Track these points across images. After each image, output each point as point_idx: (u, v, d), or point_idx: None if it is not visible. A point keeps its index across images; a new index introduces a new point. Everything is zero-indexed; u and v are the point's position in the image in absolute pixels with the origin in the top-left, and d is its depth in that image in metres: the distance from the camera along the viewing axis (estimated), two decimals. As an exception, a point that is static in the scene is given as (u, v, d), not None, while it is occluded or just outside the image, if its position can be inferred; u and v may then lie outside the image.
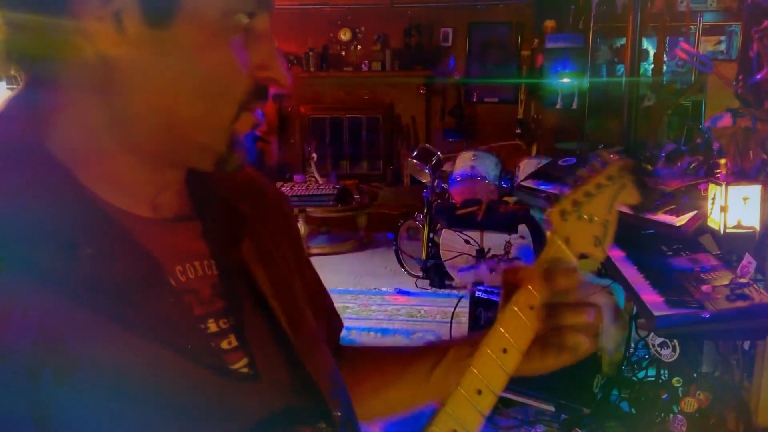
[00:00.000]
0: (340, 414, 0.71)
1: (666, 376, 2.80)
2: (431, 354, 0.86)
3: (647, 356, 3.06)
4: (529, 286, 0.72)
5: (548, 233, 0.75)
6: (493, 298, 3.13)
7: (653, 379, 2.91)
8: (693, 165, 2.96)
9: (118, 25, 0.59)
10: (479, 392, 0.71)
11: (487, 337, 0.72)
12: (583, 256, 0.77)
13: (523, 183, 3.28)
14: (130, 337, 0.61)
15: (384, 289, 4.93)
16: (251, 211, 0.76)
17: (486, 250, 4.43)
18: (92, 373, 0.59)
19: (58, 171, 0.62)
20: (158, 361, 0.62)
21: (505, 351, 0.71)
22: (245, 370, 0.67)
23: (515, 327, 0.72)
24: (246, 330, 0.68)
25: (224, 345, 0.67)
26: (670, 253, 2.45)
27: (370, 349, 1.04)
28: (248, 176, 0.82)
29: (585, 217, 0.73)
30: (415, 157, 5.25)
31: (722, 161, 2.39)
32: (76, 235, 0.61)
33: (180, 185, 0.72)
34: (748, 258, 2.14)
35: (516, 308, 0.72)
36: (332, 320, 0.91)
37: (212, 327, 0.67)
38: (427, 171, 5.16)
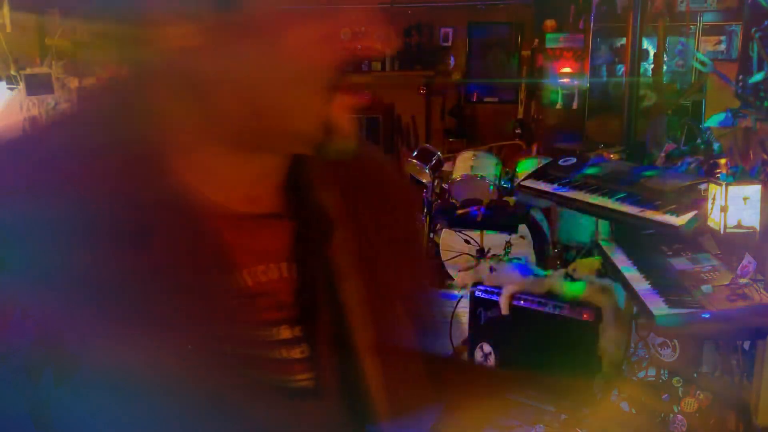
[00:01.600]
0: None
1: (666, 376, 2.80)
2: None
3: (647, 356, 3.06)
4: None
5: None
6: (494, 298, 3.13)
7: (653, 379, 2.91)
8: (693, 165, 2.96)
9: (191, 13, 0.55)
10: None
11: None
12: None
13: (523, 183, 3.28)
14: (190, 333, 0.58)
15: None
16: (352, 212, 0.70)
17: (486, 250, 4.43)
18: (140, 363, 0.56)
19: (147, 162, 0.60)
20: (214, 359, 0.59)
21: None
22: (307, 384, 0.64)
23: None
24: (318, 343, 0.64)
25: (294, 354, 0.63)
26: (670, 253, 2.46)
27: (489, 369, 0.96)
28: (361, 169, 0.74)
29: None
30: (415, 157, 5.24)
31: (722, 161, 2.39)
32: (152, 224, 0.58)
33: (280, 177, 0.67)
34: (748, 258, 2.14)
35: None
36: (435, 339, 0.84)
37: (285, 334, 0.63)
38: (427, 171, 5.16)
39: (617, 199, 2.71)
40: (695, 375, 2.69)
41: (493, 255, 4.34)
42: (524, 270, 3.21)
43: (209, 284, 0.60)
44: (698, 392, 2.53)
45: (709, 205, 2.30)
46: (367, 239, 0.70)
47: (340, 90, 0.60)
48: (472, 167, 5.03)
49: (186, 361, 0.58)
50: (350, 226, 0.69)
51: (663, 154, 3.39)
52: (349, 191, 0.71)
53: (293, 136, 0.61)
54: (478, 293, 3.20)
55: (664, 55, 5.30)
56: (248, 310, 0.62)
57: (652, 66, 5.50)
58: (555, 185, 3.07)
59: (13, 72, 4.44)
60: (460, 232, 4.59)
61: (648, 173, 2.85)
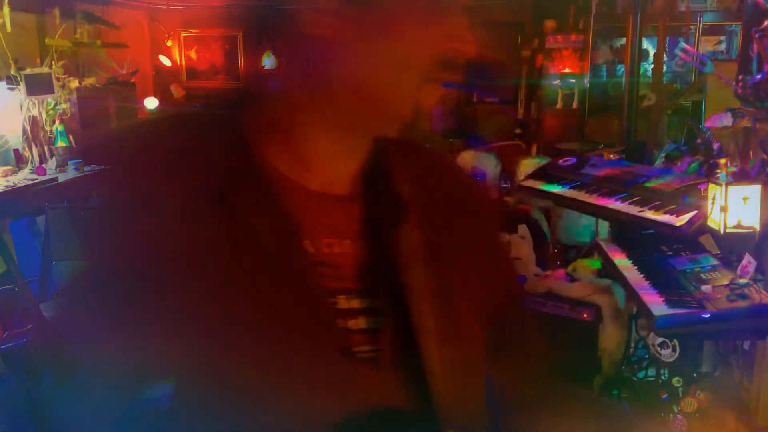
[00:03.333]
0: None
1: (666, 376, 2.80)
2: None
3: (647, 356, 3.06)
4: None
5: None
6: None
7: (653, 379, 2.91)
8: (693, 165, 2.96)
9: (329, 6, 0.62)
10: None
11: None
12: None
13: (523, 183, 3.28)
14: (262, 293, 0.62)
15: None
16: (425, 203, 0.73)
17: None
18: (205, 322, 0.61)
19: (243, 142, 0.67)
20: (277, 321, 0.62)
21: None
22: (366, 354, 0.66)
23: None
24: (380, 317, 0.67)
25: (351, 324, 0.66)
26: (670, 253, 2.45)
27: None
28: (438, 165, 0.80)
29: None
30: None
31: (722, 161, 2.39)
32: (231, 187, 0.64)
33: (360, 162, 0.71)
34: (748, 258, 2.14)
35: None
36: (501, 327, 0.81)
37: (343, 304, 0.66)
38: (427, 171, 5.16)
39: (617, 199, 2.71)
40: (695, 375, 2.69)
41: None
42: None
43: (278, 248, 0.64)
44: (698, 392, 2.53)
45: (709, 205, 2.30)
46: (436, 232, 0.73)
47: (431, 81, 0.67)
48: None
49: (255, 322, 0.62)
50: (420, 217, 0.72)
51: (663, 154, 3.39)
52: (423, 183, 0.75)
53: (384, 117, 0.67)
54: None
55: (664, 55, 5.31)
56: (309, 277, 0.65)
57: (652, 66, 5.50)
58: (555, 185, 3.07)
59: (13, 72, 4.43)
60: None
61: (648, 173, 2.85)
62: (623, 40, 6.06)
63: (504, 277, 0.83)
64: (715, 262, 2.29)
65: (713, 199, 2.27)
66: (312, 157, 0.68)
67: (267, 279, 0.63)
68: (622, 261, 2.54)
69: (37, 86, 4.56)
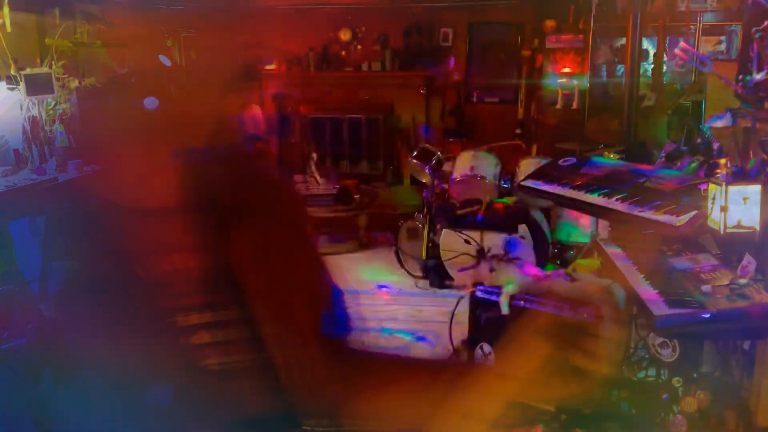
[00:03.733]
0: (311, 429, 0.69)
1: (666, 376, 2.80)
2: (441, 371, 0.84)
3: (647, 356, 3.06)
4: (541, 309, 0.69)
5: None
6: (493, 298, 3.13)
7: (653, 379, 2.91)
8: (693, 165, 2.96)
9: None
10: (465, 416, 0.69)
11: (488, 360, 0.72)
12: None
13: (523, 183, 3.28)
14: (108, 330, 0.64)
15: (384, 289, 4.93)
16: (246, 208, 0.74)
17: (486, 250, 4.43)
18: (79, 367, 0.62)
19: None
20: (129, 352, 0.63)
21: (501, 377, 0.70)
22: (216, 368, 0.66)
23: (517, 352, 0.70)
24: (223, 328, 0.68)
25: (195, 340, 0.66)
26: (670, 253, 2.45)
27: (403, 359, 0.99)
28: (249, 170, 0.80)
29: None
30: (415, 157, 5.24)
31: (722, 161, 2.39)
32: (68, 219, 0.67)
33: (171, 173, 0.71)
34: (748, 258, 2.14)
35: (521, 332, 0.70)
36: (340, 327, 0.86)
37: (182, 322, 0.66)
38: (427, 171, 5.16)
39: (617, 199, 2.71)
40: (695, 375, 2.69)
41: (493, 255, 4.33)
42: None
43: (126, 276, 0.65)
44: (698, 392, 2.53)
45: (709, 205, 2.30)
46: (262, 235, 0.74)
47: (234, 91, 0.69)
48: (472, 167, 5.03)
49: (129, 348, 0.64)
50: (246, 222, 0.73)
51: (663, 154, 3.39)
52: (240, 189, 0.75)
53: (196, 130, 0.69)
54: (478, 293, 3.20)
55: (664, 55, 5.31)
56: (145, 302, 0.66)
57: (652, 66, 5.50)
58: (555, 185, 3.07)
59: (13, 72, 4.44)
60: (460, 232, 4.59)
61: (648, 173, 2.85)
62: (623, 40, 6.06)
63: (318, 273, 0.84)
64: (715, 262, 2.29)
65: (713, 199, 2.27)
66: (124, 175, 0.69)
67: (110, 308, 0.64)
68: (621, 261, 2.54)
69: (37, 86, 4.56)
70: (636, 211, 2.58)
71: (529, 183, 3.21)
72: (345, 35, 7.96)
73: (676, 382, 2.65)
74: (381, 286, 4.99)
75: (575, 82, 6.71)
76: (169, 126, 0.68)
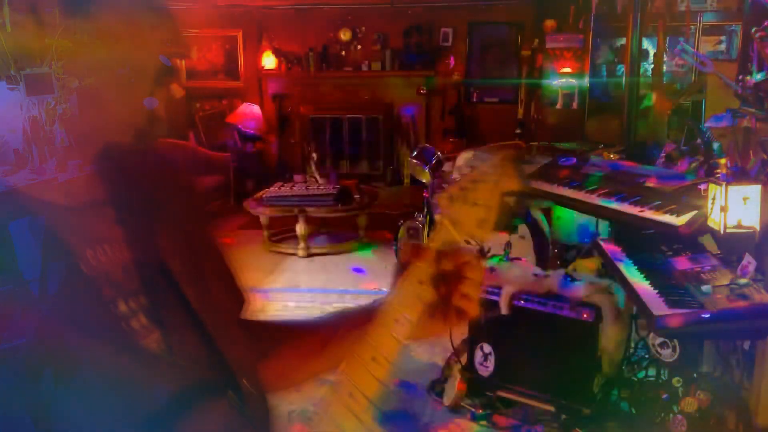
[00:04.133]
0: (247, 383, 0.76)
1: (666, 376, 2.80)
2: (337, 324, 0.94)
3: (647, 356, 3.06)
4: (420, 263, 0.80)
5: (437, 216, 0.82)
6: (494, 298, 3.13)
7: (653, 379, 2.91)
8: (693, 165, 2.96)
9: (37, 17, 0.70)
10: (374, 359, 0.77)
11: (381, 308, 0.79)
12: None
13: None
14: (64, 326, 0.66)
15: (384, 289, 4.91)
16: (162, 196, 0.81)
17: (486, 250, 4.42)
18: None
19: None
20: (82, 346, 0.66)
21: (396, 321, 0.78)
22: (156, 346, 0.71)
23: (407, 299, 0.79)
24: (159, 309, 0.73)
25: (134, 324, 0.71)
26: (670, 253, 2.45)
27: (292, 324, 1.06)
28: (160, 161, 0.86)
29: (470, 201, 0.82)
30: (415, 157, 5.24)
31: (722, 161, 2.39)
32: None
33: (92, 170, 0.77)
34: (748, 258, 2.14)
35: (408, 282, 0.80)
36: (239, 298, 0.94)
37: (122, 307, 0.71)
38: (427, 171, 5.16)
39: (617, 199, 2.71)
40: (695, 375, 2.69)
41: (493, 255, 4.33)
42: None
43: (60, 276, 0.68)
44: (698, 392, 2.53)
45: (709, 205, 2.30)
46: (180, 226, 0.81)
47: (159, 86, 0.74)
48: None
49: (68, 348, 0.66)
50: (167, 215, 0.80)
51: (663, 154, 3.39)
52: (156, 182, 0.83)
53: (122, 126, 0.74)
54: (478, 293, 3.20)
55: (664, 55, 5.31)
56: (90, 293, 0.70)
57: (652, 66, 5.50)
58: (555, 185, 3.07)
59: (13, 72, 4.44)
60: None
61: (648, 173, 2.85)
62: (623, 40, 6.06)
63: (228, 261, 0.93)
64: (715, 262, 2.29)
65: (713, 199, 2.27)
66: (54, 170, 0.76)
67: (64, 302, 0.67)
68: (622, 261, 2.54)
69: (37, 86, 4.57)
70: (636, 211, 2.58)
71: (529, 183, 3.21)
72: (345, 35, 7.96)
73: (676, 382, 2.65)
74: (377, 293, 4.99)
75: (575, 82, 6.71)
76: (93, 121, 0.75)
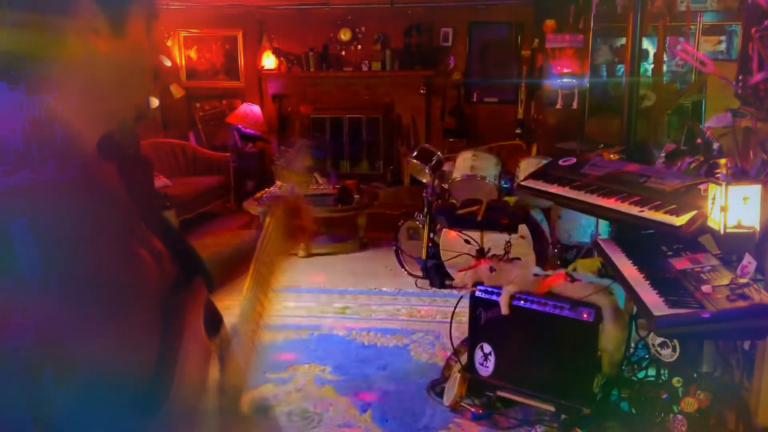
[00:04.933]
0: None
1: (666, 376, 2.80)
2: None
3: (647, 356, 3.06)
4: (277, 207, 1.24)
5: (277, 181, 1.20)
6: (494, 298, 3.13)
7: (653, 379, 2.91)
8: (693, 165, 2.96)
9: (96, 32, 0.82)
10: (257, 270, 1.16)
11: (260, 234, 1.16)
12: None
13: (523, 183, 3.28)
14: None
15: (384, 289, 4.93)
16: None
17: (486, 250, 4.43)
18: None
19: None
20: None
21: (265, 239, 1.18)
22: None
23: (268, 237, 1.19)
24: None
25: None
26: (670, 253, 2.45)
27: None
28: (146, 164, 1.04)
29: (293, 170, 1.31)
30: (415, 157, 5.25)
31: (722, 161, 2.39)
32: None
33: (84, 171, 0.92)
34: (748, 258, 2.14)
35: (268, 228, 1.20)
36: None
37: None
38: (427, 171, 5.16)
39: (617, 199, 2.71)
40: (695, 375, 2.69)
41: (493, 255, 4.33)
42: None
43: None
44: (698, 392, 2.53)
45: (709, 205, 2.30)
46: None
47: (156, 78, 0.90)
48: (472, 167, 5.03)
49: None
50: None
51: (663, 154, 3.39)
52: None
53: (131, 107, 0.90)
54: (478, 293, 3.21)
55: (664, 55, 5.31)
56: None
57: (652, 66, 5.50)
58: (555, 185, 3.07)
59: (13, 72, 4.43)
60: (460, 232, 4.59)
61: (648, 173, 2.85)
62: (623, 40, 6.06)
63: None
64: (715, 262, 2.29)
65: (713, 199, 2.27)
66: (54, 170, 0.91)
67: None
68: (622, 261, 2.54)
69: (37, 86, 4.56)
70: (636, 211, 2.58)
71: (529, 183, 3.21)
72: (345, 35, 7.96)
73: (676, 382, 2.65)
74: (377, 292, 4.99)
75: (575, 82, 6.71)
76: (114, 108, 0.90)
